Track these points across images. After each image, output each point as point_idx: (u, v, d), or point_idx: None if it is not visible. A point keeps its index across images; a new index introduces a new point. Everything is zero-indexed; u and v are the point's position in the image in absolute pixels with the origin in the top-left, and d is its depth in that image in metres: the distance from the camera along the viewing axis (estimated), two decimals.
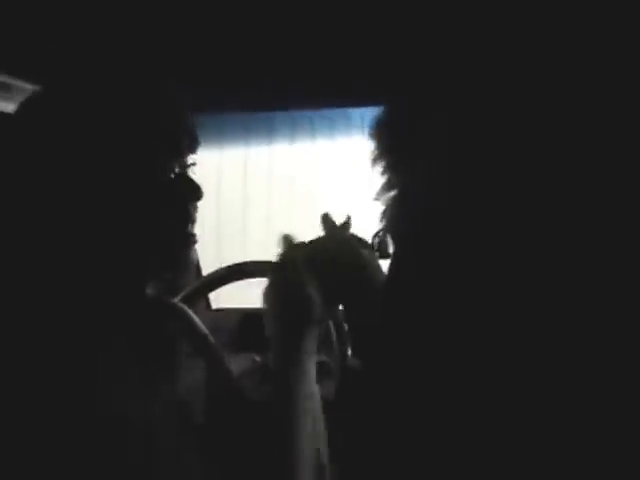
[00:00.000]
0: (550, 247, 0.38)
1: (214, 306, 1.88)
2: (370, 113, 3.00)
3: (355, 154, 3.13)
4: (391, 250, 0.47)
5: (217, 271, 1.33)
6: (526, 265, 0.38)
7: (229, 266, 1.33)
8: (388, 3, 0.73)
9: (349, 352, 1.11)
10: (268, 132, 2.87)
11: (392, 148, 0.46)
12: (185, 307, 1.06)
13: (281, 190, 2.96)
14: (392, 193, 0.46)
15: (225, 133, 2.73)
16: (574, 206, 0.37)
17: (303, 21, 0.78)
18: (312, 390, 0.65)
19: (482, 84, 0.41)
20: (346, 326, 1.11)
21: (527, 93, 0.39)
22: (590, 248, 0.37)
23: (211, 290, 1.34)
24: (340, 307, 1.10)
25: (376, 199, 0.47)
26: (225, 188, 2.82)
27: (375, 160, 0.47)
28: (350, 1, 0.72)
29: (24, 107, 0.60)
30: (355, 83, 1.01)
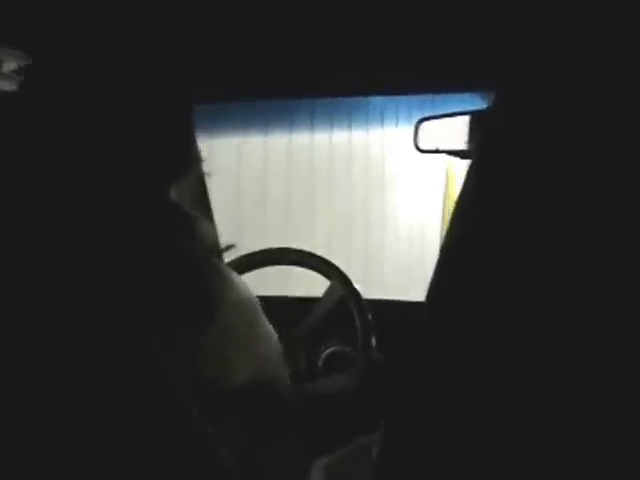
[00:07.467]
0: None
1: None
2: (391, 104, 2.91)
3: (371, 145, 3.05)
4: None
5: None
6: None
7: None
8: None
9: (373, 343, 1.05)
10: (289, 122, 2.82)
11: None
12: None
13: (300, 179, 2.91)
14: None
15: (245, 122, 2.70)
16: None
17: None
18: None
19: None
20: (370, 316, 1.05)
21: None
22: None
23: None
24: (364, 298, 1.05)
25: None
26: (244, 177, 2.77)
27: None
28: None
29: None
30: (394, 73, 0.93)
